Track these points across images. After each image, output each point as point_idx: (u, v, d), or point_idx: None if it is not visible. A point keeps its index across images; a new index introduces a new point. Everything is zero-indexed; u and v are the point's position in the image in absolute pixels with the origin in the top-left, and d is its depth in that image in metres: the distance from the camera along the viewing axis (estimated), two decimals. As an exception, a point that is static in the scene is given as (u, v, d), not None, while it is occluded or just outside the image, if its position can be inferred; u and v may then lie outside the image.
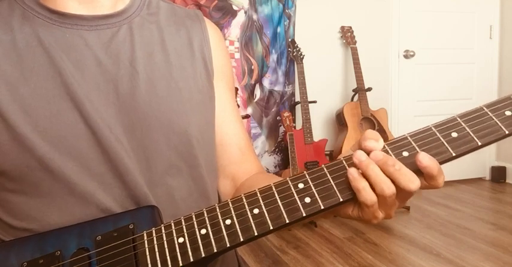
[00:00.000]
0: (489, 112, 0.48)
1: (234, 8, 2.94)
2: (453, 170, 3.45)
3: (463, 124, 0.48)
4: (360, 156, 0.48)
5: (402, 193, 0.47)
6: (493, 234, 2.50)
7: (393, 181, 0.47)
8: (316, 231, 2.63)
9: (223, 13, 2.91)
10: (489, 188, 3.48)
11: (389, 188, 0.46)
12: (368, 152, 0.48)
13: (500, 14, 3.58)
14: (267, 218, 0.49)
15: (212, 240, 0.50)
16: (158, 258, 0.51)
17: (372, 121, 2.96)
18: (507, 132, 0.47)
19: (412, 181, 0.46)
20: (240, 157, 0.74)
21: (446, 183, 3.49)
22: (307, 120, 2.87)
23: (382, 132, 2.91)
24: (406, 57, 3.42)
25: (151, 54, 0.65)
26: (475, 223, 2.69)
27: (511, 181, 3.57)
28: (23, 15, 0.60)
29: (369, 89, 3.01)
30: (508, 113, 0.48)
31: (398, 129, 3.37)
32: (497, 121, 0.48)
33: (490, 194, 3.34)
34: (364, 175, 0.47)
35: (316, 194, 0.49)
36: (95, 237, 0.54)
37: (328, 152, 3.02)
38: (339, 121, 3.04)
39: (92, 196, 0.58)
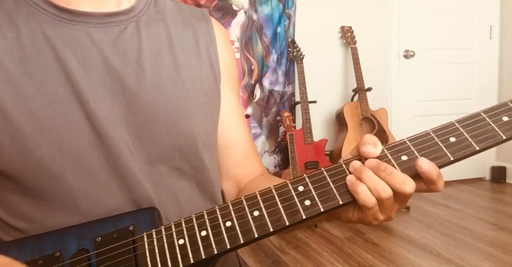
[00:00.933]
0: (487, 118, 0.49)
1: (234, 8, 2.93)
2: (453, 170, 3.43)
3: (461, 129, 0.49)
4: (354, 164, 0.50)
5: (399, 195, 0.49)
6: (493, 234, 2.50)
7: (388, 185, 0.48)
8: (316, 231, 2.63)
9: (223, 13, 2.91)
10: (489, 188, 3.48)
11: (384, 191, 0.48)
12: (366, 157, 0.50)
13: (500, 14, 3.57)
14: (267, 220, 0.50)
15: (212, 242, 0.50)
16: (158, 259, 0.51)
17: (372, 121, 2.95)
18: (504, 137, 0.48)
19: (405, 183, 0.48)
20: (244, 159, 0.74)
21: (446, 183, 3.46)
22: (307, 120, 2.87)
23: (382, 132, 2.91)
24: (406, 57, 3.42)
25: (159, 53, 0.64)
26: (475, 223, 2.69)
27: (511, 181, 3.57)
28: (29, 11, 0.59)
29: (369, 89, 3.01)
30: (505, 118, 0.49)
31: (398, 129, 3.37)
32: (495, 127, 0.48)
33: (490, 194, 3.34)
34: (361, 181, 0.49)
35: (316, 197, 0.50)
36: (95, 238, 0.54)
37: (328, 152, 3.02)
38: (339, 121, 3.04)
39: (93, 198, 0.58)
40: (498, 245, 2.34)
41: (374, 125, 2.94)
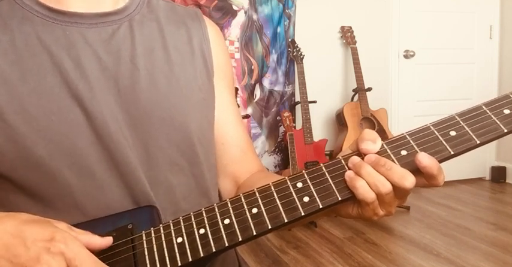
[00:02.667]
0: (488, 111, 0.48)
1: (234, 8, 2.94)
2: (453, 170, 3.45)
3: (461, 122, 0.48)
4: (353, 159, 0.50)
5: (399, 191, 0.48)
6: (493, 234, 2.50)
7: (388, 180, 0.47)
8: (316, 231, 2.63)
9: (223, 13, 2.91)
10: (489, 188, 3.48)
11: (384, 186, 0.47)
12: (365, 154, 0.49)
13: (500, 14, 3.58)
14: (266, 217, 0.49)
15: (211, 240, 0.50)
16: (157, 258, 0.51)
17: (372, 121, 2.96)
18: (506, 130, 0.47)
19: (405, 178, 0.47)
20: (241, 156, 0.74)
21: (446, 183, 3.48)
22: (307, 120, 2.87)
23: (382, 132, 2.91)
24: (406, 57, 3.42)
25: (152, 51, 0.65)
26: (475, 223, 2.69)
27: (511, 181, 3.57)
28: (23, 15, 0.60)
29: (369, 89, 3.01)
30: (506, 111, 0.48)
31: (398, 129, 3.36)
32: (496, 120, 0.47)
33: (490, 194, 3.34)
34: (360, 176, 0.48)
35: (315, 194, 0.49)
36: None
37: (328, 152, 3.02)
38: (339, 121, 3.04)
39: (92, 196, 0.58)
40: (498, 245, 2.34)
41: (374, 125, 2.94)
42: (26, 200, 0.58)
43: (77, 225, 0.56)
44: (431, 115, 3.36)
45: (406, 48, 3.41)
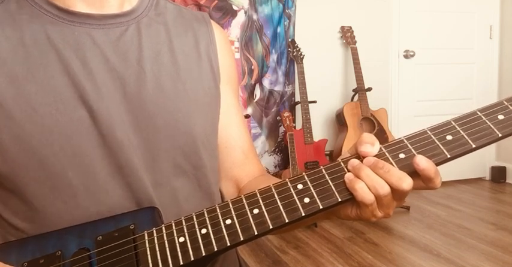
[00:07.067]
0: (483, 116, 0.50)
1: (234, 8, 2.94)
2: (453, 170, 3.45)
3: (457, 127, 0.50)
4: (352, 162, 0.51)
5: (397, 192, 0.49)
6: (493, 234, 2.51)
7: (386, 182, 0.49)
8: (316, 231, 2.63)
9: (223, 13, 2.91)
10: (489, 188, 3.48)
11: (382, 188, 0.48)
12: (364, 156, 0.51)
13: (500, 14, 3.58)
14: (267, 217, 0.50)
15: (213, 239, 0.51)
16: (159, 257, 0.51)
17: (372, 121, 2.96)
18: (500, 135, 0.49)
19: (402, 180, 0.48)
20: (244, 159, 0.74)
21: (447, 183, 3.49)
22: (307, 120, 2.88)
23: (382, 132, 2.92)
24: (406, 57, 3.42)
25: (159, 54, 0.65)
26: (475, 223, 2.69)
27: (511, 181, 3.57)
28: (32, 12, 0.60)
29: (369, 89, 3.01)
30: (500, 117, 0.49)
31: (398, 129, 3.37)
32: (491, 125, 0.49)
33: (490, 194, 3.34)
34: (359, 179, 0.49)
35: (315, 195, 0.50)
36: (96, 237, 0.54)
37: (328, 152, 3.02)
38: (339, 121, 3.05)
39: (95, 198, 0.58)
40: (498, 245, 2.35)
41: (374, 125, 2.95)
42: (27, 200, 0.58)
43: (78, 226, 0.56)
44: (431, 115, 3.37)
45: (406, 48, 3.41)
